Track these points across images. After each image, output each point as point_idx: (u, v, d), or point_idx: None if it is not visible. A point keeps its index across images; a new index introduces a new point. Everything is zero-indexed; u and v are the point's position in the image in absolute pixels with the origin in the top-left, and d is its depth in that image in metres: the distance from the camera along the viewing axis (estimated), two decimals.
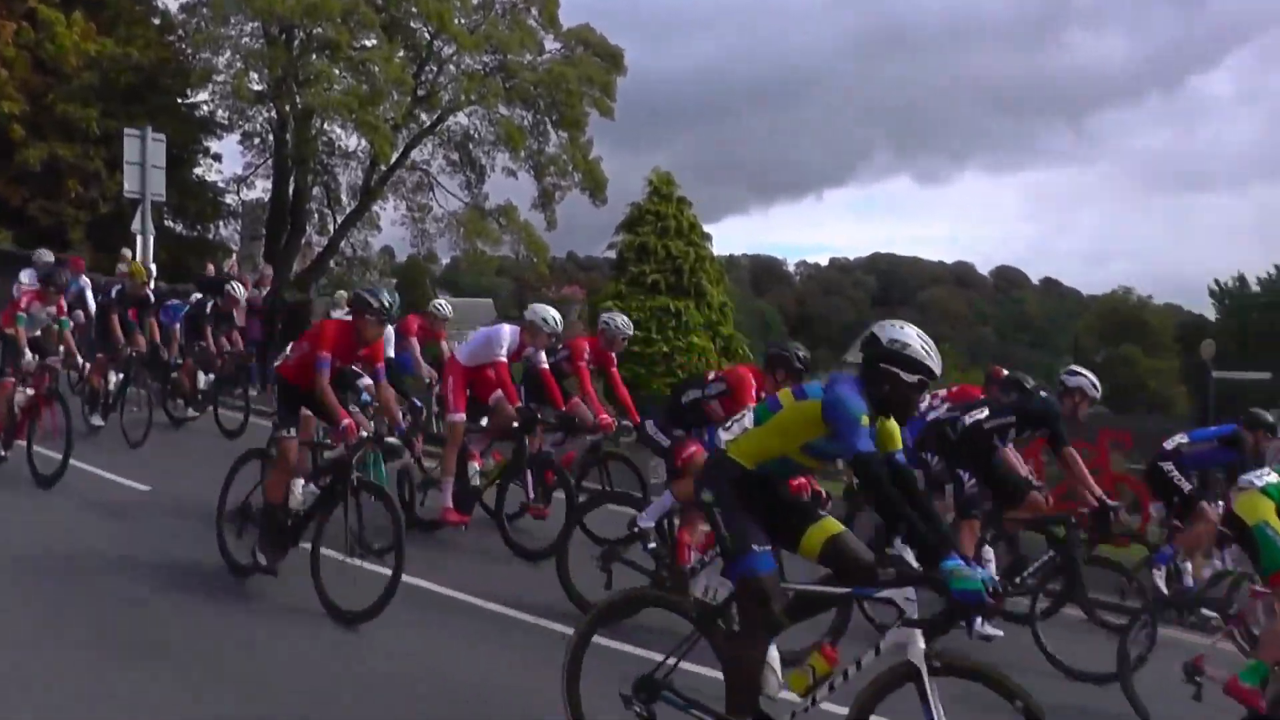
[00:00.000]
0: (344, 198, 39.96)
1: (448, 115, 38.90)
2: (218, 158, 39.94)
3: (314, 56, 35.79)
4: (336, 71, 35.62)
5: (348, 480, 8.63)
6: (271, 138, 38.37)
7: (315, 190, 39.65)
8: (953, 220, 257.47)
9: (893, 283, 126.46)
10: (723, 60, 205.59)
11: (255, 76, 36.25)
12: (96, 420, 15.89)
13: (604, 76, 38.24)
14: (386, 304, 9.12)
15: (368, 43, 36.37)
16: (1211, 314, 78.47)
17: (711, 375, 10.10)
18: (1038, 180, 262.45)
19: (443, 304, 16.41)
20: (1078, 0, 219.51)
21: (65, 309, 13.72)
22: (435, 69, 38.65)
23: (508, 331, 11.66)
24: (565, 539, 9.45)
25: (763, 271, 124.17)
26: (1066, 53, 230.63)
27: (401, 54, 37.45)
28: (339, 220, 40.15)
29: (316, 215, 40.21)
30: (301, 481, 9.16)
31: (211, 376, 17.48)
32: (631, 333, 12.57)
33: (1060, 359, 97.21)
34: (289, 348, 10.29)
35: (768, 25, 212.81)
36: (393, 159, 37.58)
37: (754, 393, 9.19)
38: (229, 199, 40.18)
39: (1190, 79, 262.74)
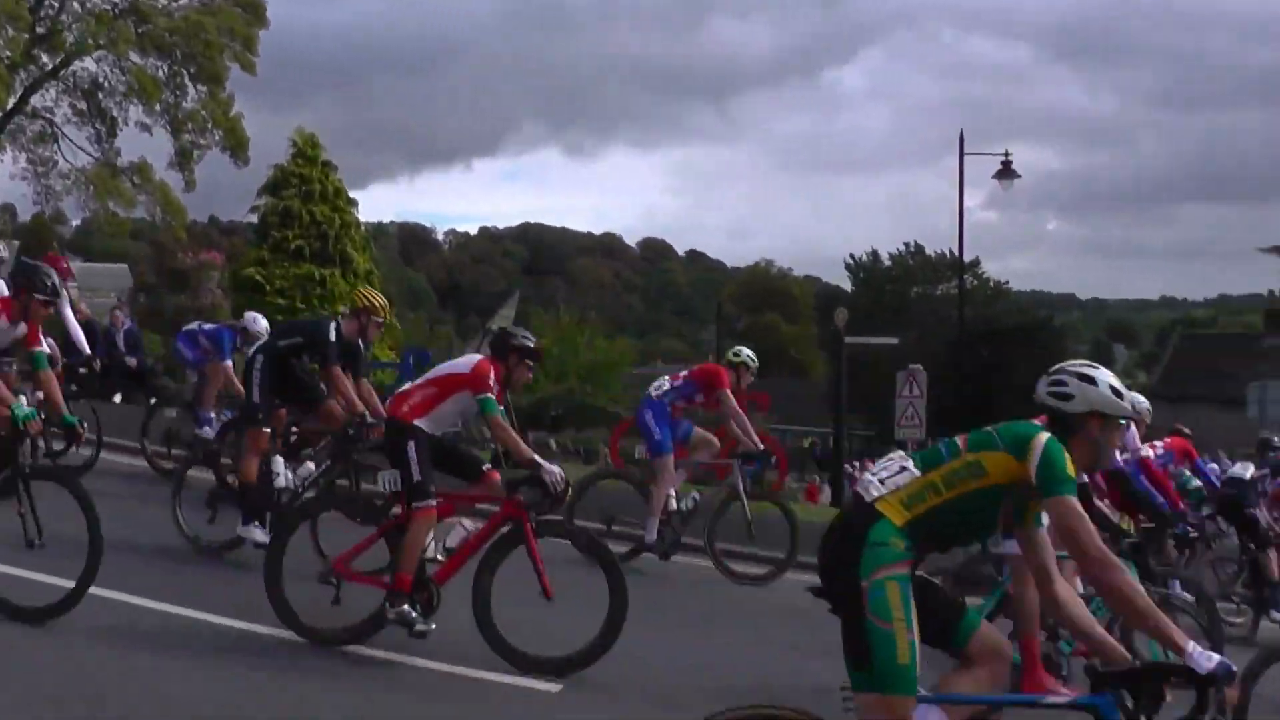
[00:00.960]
0: None
1: (72, 59, 35.82)
2: None
3: None
4: None
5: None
6: None
7: None
8: (601, 193, 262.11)
9: (542, 252, 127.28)
10: (371, 19, 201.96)
11: None
12: (258, 534, 9.57)
13: (245, 29, 35.89)
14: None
15: None
16: (848, 285, 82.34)
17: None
18: (684, 157, 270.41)
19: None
20: None
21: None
22: (56, 5, 35.55)
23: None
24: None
25: (411, 240, 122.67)
26: (712, 38, 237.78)
27: None
28: None
29: None
30: None
31: None
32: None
33: (706, 326, 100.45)
34: None
35: None
36: (9, 103, 34.34)
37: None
38: None
39: (826, 71, 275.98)
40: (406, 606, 7.39)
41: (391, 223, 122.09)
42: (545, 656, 7.39)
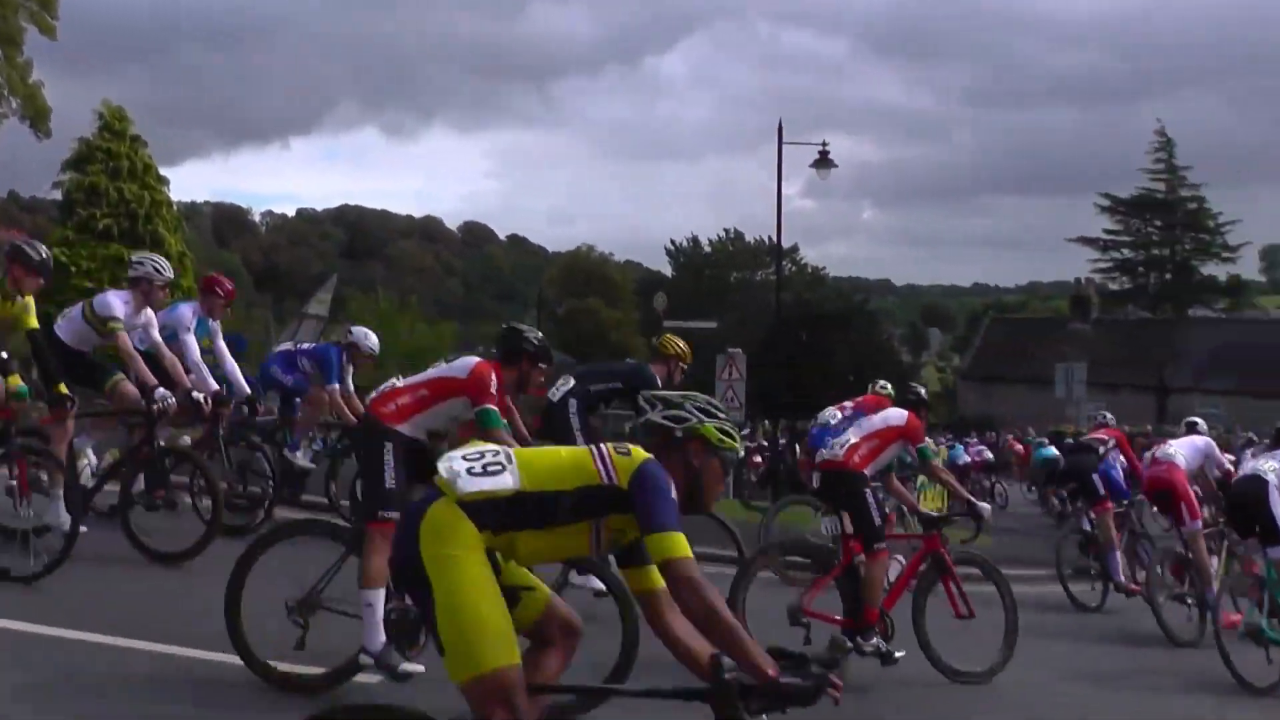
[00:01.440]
0: None
1: None
2: None
3: None
4: None
5: None
6: None
7: None
8: (421, 175, 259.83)
9: (361, 235, 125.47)
10: None
11: None
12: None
13: None
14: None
15: None
16: (668, 271, 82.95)
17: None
18: (505, 141, 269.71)
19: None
20: None
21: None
22: None
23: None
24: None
25: (226, 221, 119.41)
26: (534, 22, 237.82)
27: None
28: None
29: None
30: None
31: None
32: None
33: (527, 311, 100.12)
34: None
35: None
36: None
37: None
38: None
39: (647, 59, 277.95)
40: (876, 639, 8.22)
41: (205, 202, 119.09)
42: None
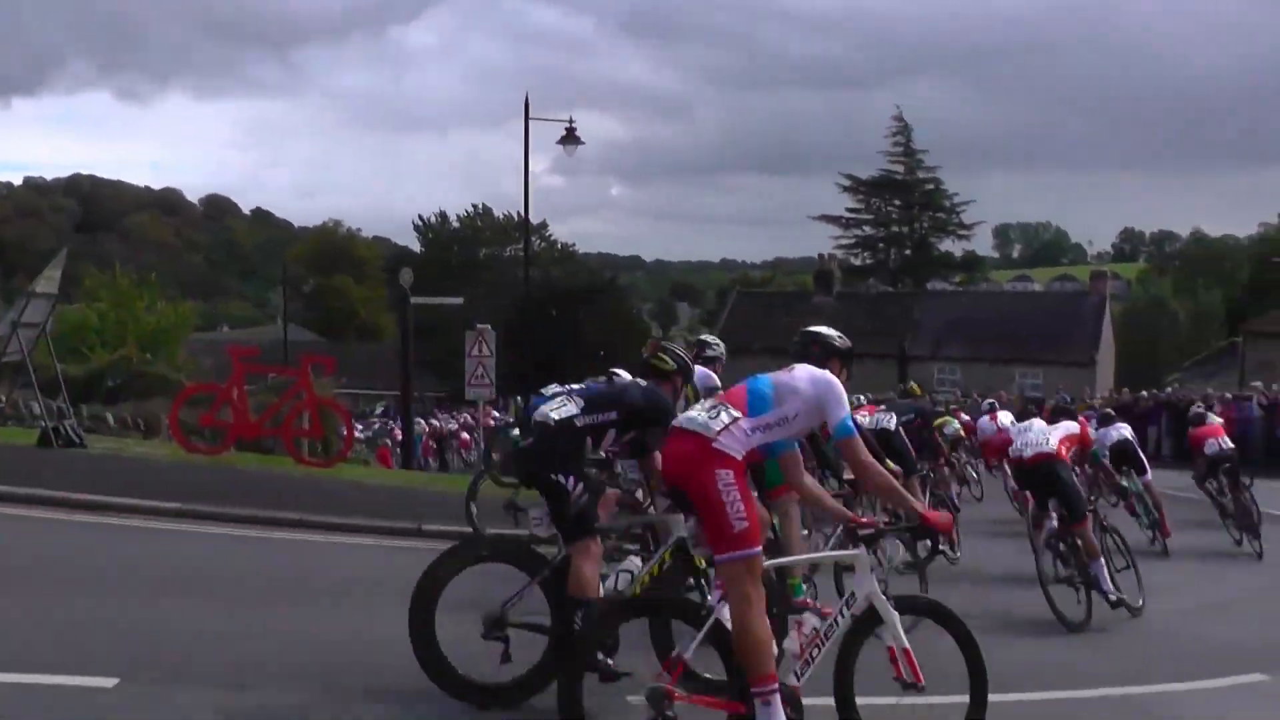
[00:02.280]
0: None
1: None
2: None
3: None
4: None
5: None
6: None
7: None
8: (157, 143, 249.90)
9: (95, 208, 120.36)
10: None
11: None
12: None
13: None
14: None
15: None
16: (417, 246, 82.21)
17: None
18: (247, 109, 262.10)
19: None
20: None
21: None
22: None
23: None
24: None
25: None
26: None
27: None
28: None
29: None
30: None
31: None
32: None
33: (273, 288, 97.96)
34: None
35: None
36: None
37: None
38: None
39: (392, 28, 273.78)
40: None
41: None
42: None
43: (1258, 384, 33.68)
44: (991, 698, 5.87)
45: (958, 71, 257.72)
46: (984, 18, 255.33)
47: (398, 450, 32.85)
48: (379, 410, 54.85)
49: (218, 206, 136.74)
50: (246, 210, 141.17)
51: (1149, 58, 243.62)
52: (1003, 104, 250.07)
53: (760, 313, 62.06)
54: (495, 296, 64.68)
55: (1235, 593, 11.74)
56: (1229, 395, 33.20)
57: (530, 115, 27.49)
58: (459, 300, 35.06)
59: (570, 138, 27.84)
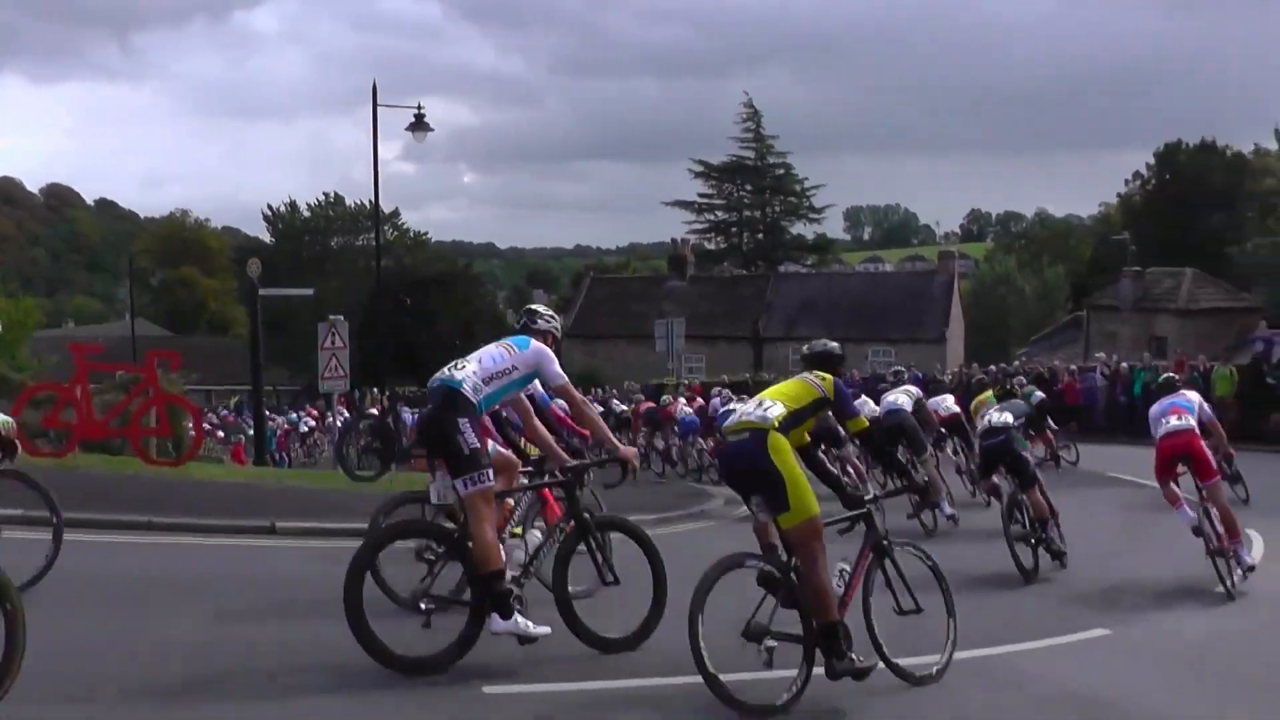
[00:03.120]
0: None
1: None
2: None
3: None
4: None
5: None
6: None
7: None
8: None
9: None
10: None
11: None
12: None
13: None
14: None
15: None
16: (267, 237, 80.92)
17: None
18: (87, 94, 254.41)
19: None
20: None
21: None
22: None
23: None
24: None
25: None
26: None
27: None
28: None
29: None
30: None
31: None
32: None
33: (120, 281, 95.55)
34: None
35: None
36: None
37: None
38: None
39: (235, 13, 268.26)
40: None
41: None
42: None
43: (1101, 355, 35.16)
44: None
45: (805, 60, 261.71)
46: (829, 7, 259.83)
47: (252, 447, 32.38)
48: (229, 407, 53.68)
49: (59, 197, 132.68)
50: (90, 200, 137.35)
51: (991, 47, 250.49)
52: (850, 91, 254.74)
53: (615, 298, 62.45)
54: (348, 287, 64.09)
55: (1072, 552, 12.19)
56: (1074, 367, 34.69)
57: (379, 102, 27.22)
58: (309, 291, 34.64)
59: (419, 124, 27.60)
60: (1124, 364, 32.49)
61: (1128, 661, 8.43)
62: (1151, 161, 71.78)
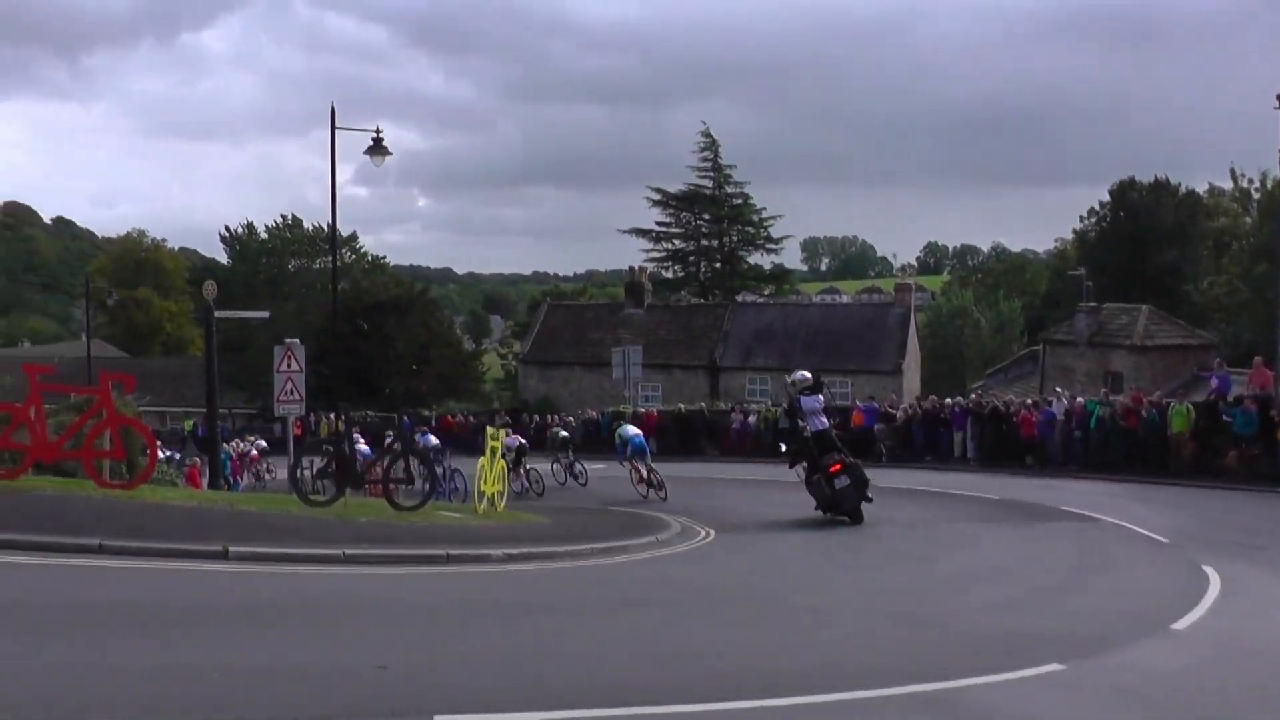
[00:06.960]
0: None
1: None
2: None
3: None
4: None
5: None
6: None
7: None
8: None
9: None
10: None
11: None
12: None
13: None
14: None
15: None
16: (224, 258, 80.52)
17: None
18: (37, 113, 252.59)
19: None
20: None
21: None
22: None
23: None
24: None
25: None
26: None
27: None
28: None
29: None
30: None
31: None
32: None
33: (75, 301, 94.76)
34: None
35: None
36: None
37: None
38: None
39: (184, 35, 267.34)
40: None
41: None
42: None
43: (1059, 389, 35.33)
44: (798, 700, 6.69)
45: (749, 90, 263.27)
46: (772, 38, 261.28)
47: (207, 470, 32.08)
48: (189, 427, 53.19)
49: (16, 215, 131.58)
50: (48, 219, 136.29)
51: (930, 78, 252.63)
52: (795, 122, 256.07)
53: (571, 325, 62.48)
54: (305, 310, 63.80)
55: (1028, 587, 12.23)
56: (1030, 400, 34.92)
57: (336, 125, 27.08)
58: (265, 314, 34.48)
59: (378, 148, 27.52)
60: (1079, 399, 32.73)
61: (1081, 696, 8.44)
62: (1106, 199, 72.64)
